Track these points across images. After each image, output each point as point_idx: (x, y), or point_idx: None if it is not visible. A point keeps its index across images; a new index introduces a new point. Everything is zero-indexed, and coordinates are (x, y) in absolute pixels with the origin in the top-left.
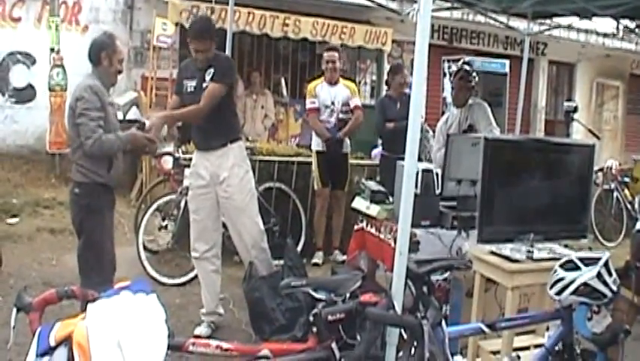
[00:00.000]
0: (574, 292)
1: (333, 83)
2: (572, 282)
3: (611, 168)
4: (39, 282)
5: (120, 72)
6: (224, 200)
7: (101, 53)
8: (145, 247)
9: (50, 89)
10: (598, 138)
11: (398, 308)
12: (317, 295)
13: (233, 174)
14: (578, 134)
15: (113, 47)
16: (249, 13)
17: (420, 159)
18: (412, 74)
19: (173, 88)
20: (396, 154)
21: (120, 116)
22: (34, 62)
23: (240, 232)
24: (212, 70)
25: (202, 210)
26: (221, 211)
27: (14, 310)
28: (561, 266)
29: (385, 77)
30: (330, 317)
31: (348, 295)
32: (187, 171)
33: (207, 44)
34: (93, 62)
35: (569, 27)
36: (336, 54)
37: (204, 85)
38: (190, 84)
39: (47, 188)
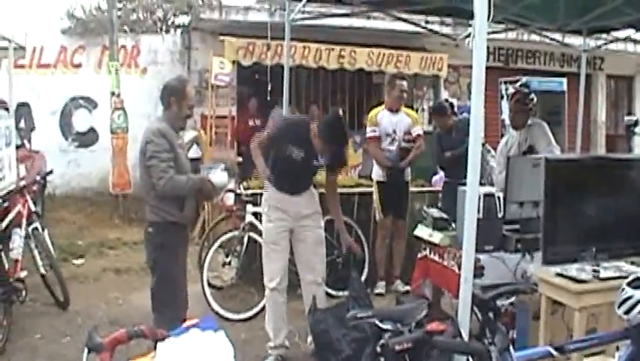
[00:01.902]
0: None
1: (394, 110)
2: None
3: None
4: (106, 321)
5: (190, 117)
6: (303, 235)
7: (171, 98)
8: (209, 284)
9: (112, 132)
10: None
11: (465, 335)
12: (383, 326)
13: (314, 212)
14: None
15: (182, 92)
16: (304, 47)
17: (481, 183)
18: (469, 98)
19: (269, 138)
20: (458, 179)
21: None
22: (95, 106)
23: (313, 267)
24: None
25: (282, 243)
26: (294, 246)
27: (85, 350)
28: (629, 284)
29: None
30: (397, 347)
31: (414, 324)
32: (249, 207)
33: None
34: (164, 105)
35: (626, 39)
36: (406, 84)
37: (314, 163)
38: (297, 152)
39: (111, 229)
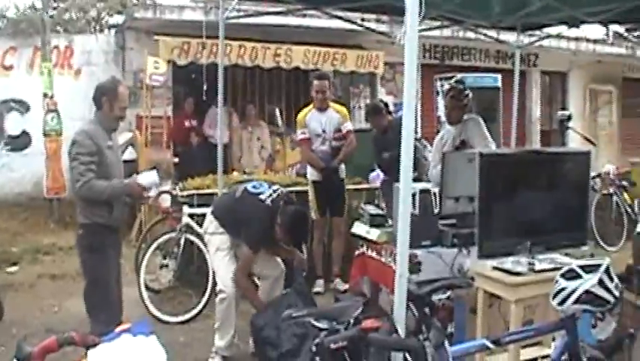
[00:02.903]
0: (576, 301)
1: (323, 109)
2: (573, 291)
3: (608, 173)
4: (42, 329)
5: (122, 118)
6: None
7: (103, 97)
8: (147, 287)
9: (45, 135)
10: (594, 144)
11: (401, 332)
12: (319, 325)
13: None
14: (574, 142)
15: (115, 93)
16: (240, 46)
17: (419, 178)
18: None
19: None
20: (397, 179)
21: None
22: (28, 108)
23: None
24: None
25: (232, 249)
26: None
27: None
28: (562, 276)
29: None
30: (332, 346)
31: (351, 321)
32: (186, 209)
33: None
34: (96, 105)
35: (559, 36)
36: (326, 82)
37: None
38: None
39: (46, 234)
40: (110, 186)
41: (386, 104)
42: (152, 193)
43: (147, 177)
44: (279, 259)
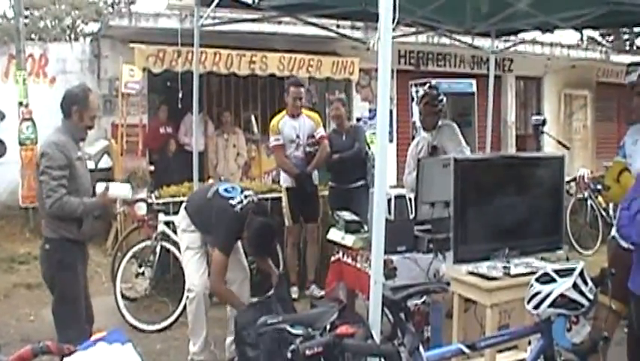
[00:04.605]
0: (551, 305)
1: (296, 115)
2: (548, 295)
3: (583, 177)
4: (17, 338)
5: (91, 128)
6: None
7: (72, 106)
8: (123, 295)
9: (21, 143)
10: (567, 148)
11: (376, 337)
12: (294, 331)
13: None
14: (549, 146)
15: (85, 101)
16: (215, 53)
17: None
18: None
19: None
20: (344, 184)
21: (92, 165)
22: (2, 117)
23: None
24: None
25: (202, 249)
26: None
27: None
28: (537, 280)
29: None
30: (307, 352)
31: (328, 327)
32: (161, 217)
33: None
34: (64, 113)
35: (534, 41)
36: (302, 89)
37: None
38: None
39: (22, 243)
40: (82, 204)
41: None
42: (119, 208)
43: (119, 190)
44: (244, 263)
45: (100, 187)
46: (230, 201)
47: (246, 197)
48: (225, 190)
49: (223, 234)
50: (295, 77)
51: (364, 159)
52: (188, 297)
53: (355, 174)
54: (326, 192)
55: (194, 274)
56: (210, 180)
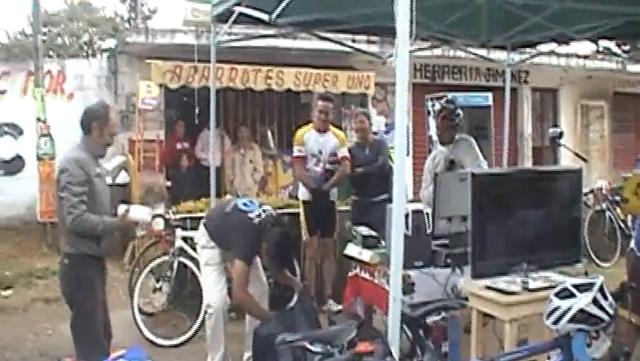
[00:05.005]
0: (571, 320)
1: (322, 131)
2: (568, 310)
3: (601, 189)
4: (36, 353)
5: (110, 144)
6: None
7: (93, 123)
8: (140, 310)
9: (38, 159)
10: (585, 160)
11: (395, 354)
12: (313, 349)
13: None
14: (566, 158)
15: (105, 118)
16: (231, 68)
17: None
18: None
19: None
20: (367, 198)
21: (109, 181)
22: (21, 132)
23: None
24: None
25: (221, 265)
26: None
27: None
28: (556, 295)
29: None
30: None
31: (345, 345)
32: (179, 232)
33: None
34: (84, 130)
35: (549, 53)
36: (330, 104)
37: None
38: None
39: (40, 258)
40: (102, 223)
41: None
42: (140, 231)
43: (139, 213)
44: (263, 278)
45: (121, 209)
46: (249, 215)
47: (264, 211)
48: (244, 204)
49: (243, 245)
50: (326, 92)
51: (388, 173)
52: (206, 312)
53: (379, 187)
54: (344, 207)
55: (213, 289)
56: (227, 196)
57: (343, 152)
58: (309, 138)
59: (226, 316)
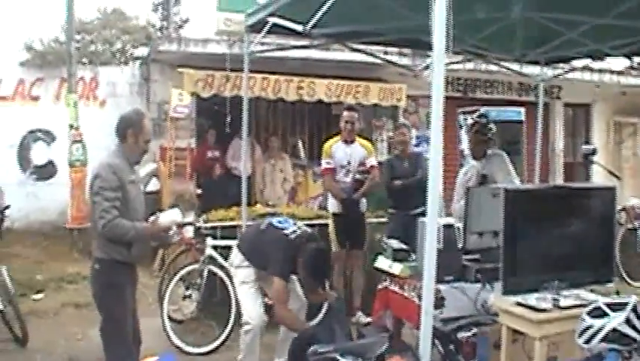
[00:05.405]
0: (603, 340)
1: (349, 142)
2: (600, 329)
3: (633, 207)
4: (65, 358)
5: (145, 152)
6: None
7: (128, 130)
8: (170, 317)
9: (70, 165)
10: (618, 178)
11: None
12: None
13: None
14: (598, 175)
15: (140, 125)
16: (263, 78)
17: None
18: (428, 128)
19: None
20: (405, 211)
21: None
22: (54, 138)
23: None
24: None
25: (257, 283)
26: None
27: None
28: (588, 313)
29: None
30: None
31: (374, 358)
32: (209, 240)
33: None
34: (119, 137)
35: (583, 69)
36: (356, 115)
37: None
38: None
39: (70, 263)
40: (134, 228)
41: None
42: (175, 237)
43: (169, 216)
44: (299, 292)
45: (151, 218)
46: (284, 231)
47: (298, 228)
48: (279, 222)
49: (280, 261)
50: (350, 103)
51: (426, 186)
52: (244, 330)
53: (416, 200)
54: (374, 219)
55: (252, 307)
56: (258, 205)
57: (371, 161)
58: (336, 150)
59: (263, 332)
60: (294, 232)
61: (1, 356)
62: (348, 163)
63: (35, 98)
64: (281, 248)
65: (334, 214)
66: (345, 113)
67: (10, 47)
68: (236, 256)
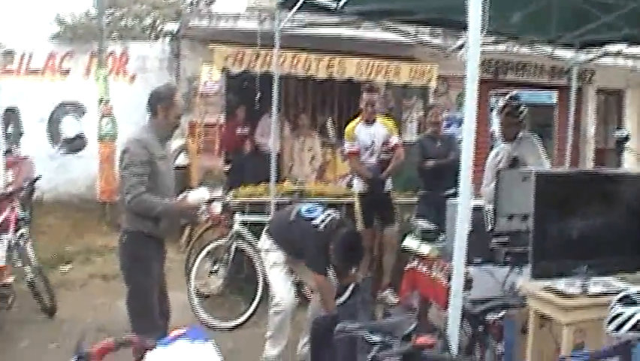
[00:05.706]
0: (633, 328)
1: (371, 122)
2: (630, 317)
3: None
4: (93, 328)
5: (177, 127)
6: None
7: (158, 104)
8: (196, 292)
9: (100, 139)
10: None
11: (454, 349)
12: (373, 338)
13: None
14: (629, 161)
15: (171, 100)
16: (293, 56)
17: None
18: (458, 109)
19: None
20: (436, 191)
21: None
22: (83, 112)
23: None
24: None
25: (287, 265)
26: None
27: (74, 358)
28: (619, 301)
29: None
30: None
31: (402, 337)
32: (237, 216)
33: None
34: (150, 112)
35: (617, 54)
36: (376, 96)
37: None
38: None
39: (99, 235)
40: (161, 205)
41: None
42: (203, 216)
43: (197, 194)
44: (330, 274)
45: (180, 196)
46: (313, 222)
47: (327, 215)
48: (307, 210)
49: (315, 256)
50: (370, 83)
51: (457, 168)
52: (275, 310)
53: (448, 182)
54: (403, 200)
55: (283, 289)
56: (286, 182)
57: (394, 140)
58: (359, 132)
59: (294, 314)
60: (323, 220)
61: (30, 325)
62: (372, 143)
63: (65, 72)
64: (312, 242)
65: (360, 194)
66: (365, 94)
67: (41, 21)
68: (265, 241)
